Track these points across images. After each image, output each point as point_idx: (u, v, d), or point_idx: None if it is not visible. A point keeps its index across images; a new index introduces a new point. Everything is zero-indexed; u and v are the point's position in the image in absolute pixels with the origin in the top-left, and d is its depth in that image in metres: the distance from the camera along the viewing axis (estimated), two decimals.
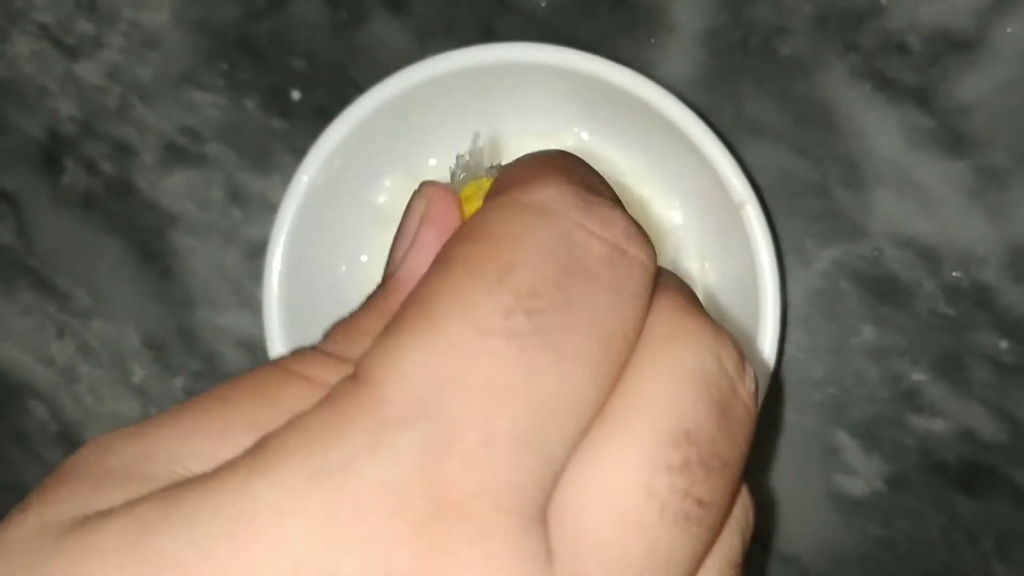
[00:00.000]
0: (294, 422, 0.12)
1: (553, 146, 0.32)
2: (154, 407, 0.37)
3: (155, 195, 0.36)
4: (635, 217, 0.14)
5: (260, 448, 0.12)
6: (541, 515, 0.12)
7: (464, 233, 0.13)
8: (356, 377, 0.12)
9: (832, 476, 0.32)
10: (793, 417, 0.32)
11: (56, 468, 0.13)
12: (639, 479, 0.12)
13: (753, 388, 0.14)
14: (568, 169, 0.15)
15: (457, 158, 0.18)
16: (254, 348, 0.36)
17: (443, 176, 0.34)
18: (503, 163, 0.17)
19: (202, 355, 0.36)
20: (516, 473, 0.12)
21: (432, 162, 0.32)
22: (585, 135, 0.31)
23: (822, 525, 0.32)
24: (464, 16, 0.34)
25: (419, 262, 0.15)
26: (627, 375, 0.13)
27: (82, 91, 0.36)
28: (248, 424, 0.13)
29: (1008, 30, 0.31)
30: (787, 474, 0.32)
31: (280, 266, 0.29)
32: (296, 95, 0.35)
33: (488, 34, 0.33)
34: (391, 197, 0.32)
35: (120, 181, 0.36)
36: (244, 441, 0.12)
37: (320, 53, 0.34)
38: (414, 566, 0.11)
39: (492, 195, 0.15)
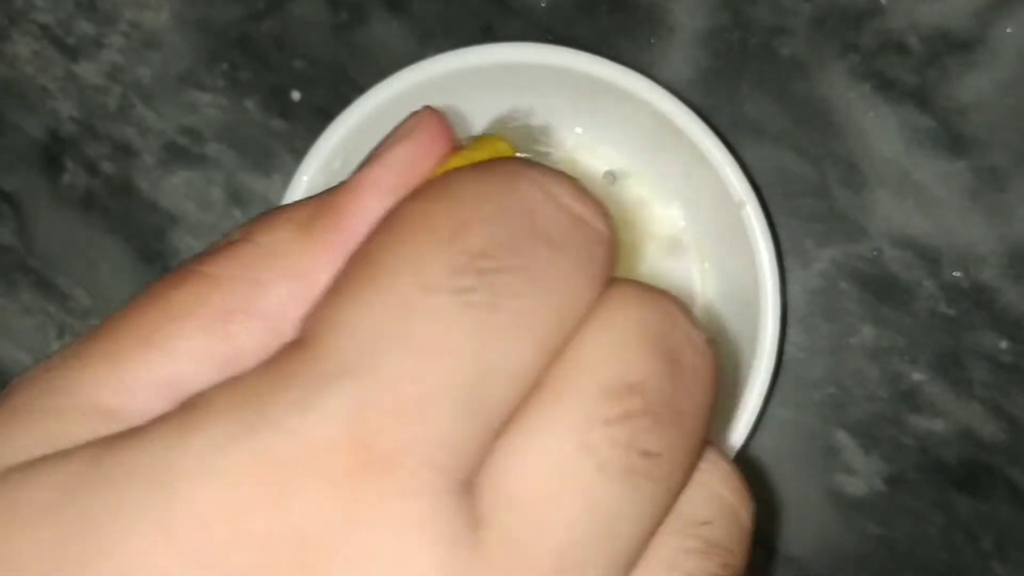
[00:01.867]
0: (230, 381, 0.12)
1: (553, 147, 0.32)
2: None
3: (156, 195, 0.36)
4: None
5: (191, 406, 0.11)
6: (471, 478, 0.11)
7: (426, 189, 0.13)
8: (299, 337, 0.12)
9: (832, 476, 0.32)
10: (793, 417, 0.32)
11: None
12: (573, 435, 0.12)
13: (708, 335, 0.14)
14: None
15: (503, 118, 0.17)
16: None
17: None
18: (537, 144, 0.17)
19: None
20: (450, 432, 0.11)
21: None
22: (585, 135, 0.31)
23: (822, 525, 0.32)
24: (464, 17, 0.34)
25: (376, 171, 0.15)
26: (570, 341, 0.13)
27: (82, 91, 0.36)
28: (142, 339, 0.12)
29: (1008, 30, 0.31)
30: (787, 474, 0.33)
31: None
32: (296, 95, 0.35)
33: (488, 35, 0.33)
34: None
35: (121, 181, 0.36)
36: (141, 357, 0.12)
37: (320, 53, 0.35)
38: (331, 522, 0.11)
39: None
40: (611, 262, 0.13)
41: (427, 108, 0.16)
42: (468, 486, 0.11)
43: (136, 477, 0.11)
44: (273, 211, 0.14)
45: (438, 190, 0.13)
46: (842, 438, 0.32)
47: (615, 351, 0.12)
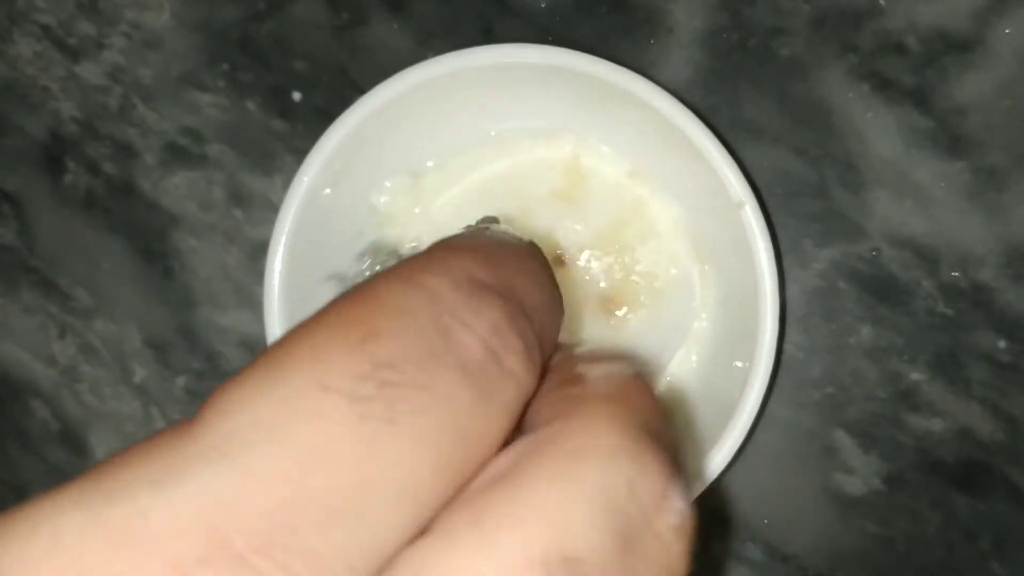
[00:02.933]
0: (118, 454, 0.11)
1: (553, 147, 0.32)
2: (155, 407, 0.37)
3: (157, 195, 0.36)
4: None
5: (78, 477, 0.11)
6: None
7: (346, 294, 0.13)
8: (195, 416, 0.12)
9: (830, 475, 0.32)
10: (791, 416, 0.32)
11: None
12: None
13: (677, 522, 0.12)
14: (485, 260, 0.14)
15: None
16: (255, 348, 0.36)
17: (443, 178, 0.34)
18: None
19: (203, 355, 0.36)
20: (320, 542, 0.10)
21: (431, 163, 0.32)
22: (585, 135, 0.31)
23: (820, 524, 0.32)
24: (464, 17, 0.34)
25: None
26: (513, 478, 0.11)
27: (84, 92, 0.37)
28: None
29: (1006, 31, 0.31)
30: (785, 473, 0.33)
31: (281, 266, 0.29)
32: (297, 96, 0.35)
33: (488, 35, 0.34)
34: (391, 198, 0.32)
35: (122, 181, 0.36)
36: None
37: (321, 54, 0.35)
38: None
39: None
40: (520, 403, 0.13)
41: None
42: None
43: None
44: None
45: (361, 292, 0.13)
46: (841, 437, 0.32)
47: (562, 515, 0.11)
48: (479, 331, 0.13)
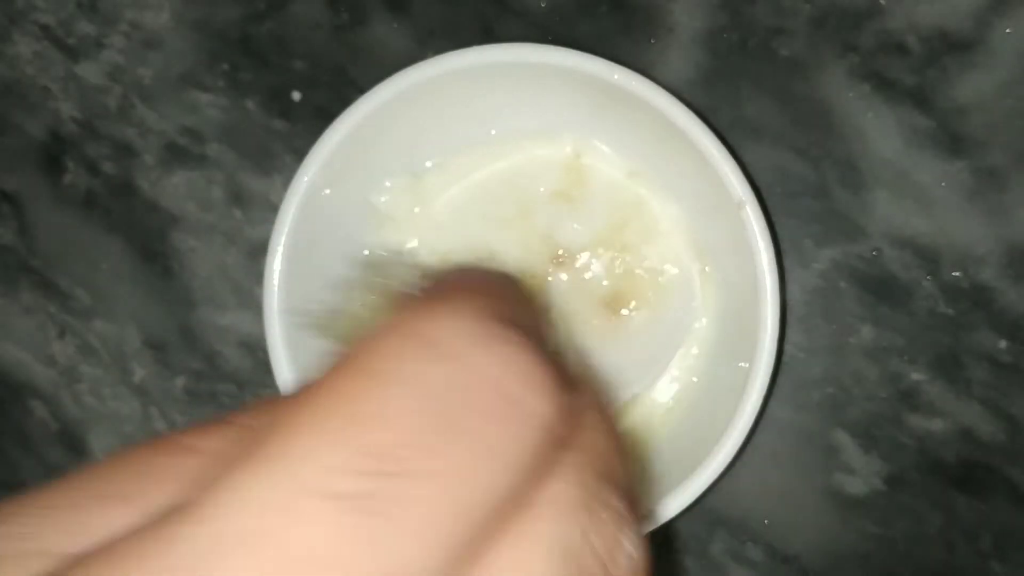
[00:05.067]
0: (108, 547, 0.11)
1: (553, 147, 0.32)
2: (155, 407, 0.37)
3: (156, 195, 0.36)
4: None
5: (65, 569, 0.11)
6: None
7: (340, 361, 0.12)
8: (186, 503, 0.11)
9: (831, 475, 0.32)
10: (792, 416, 0.32)
11: None
12: None
13: (634, 559, 0.13)
14: (486, 292, 0.13)
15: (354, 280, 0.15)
16: (254, 348, 0.36)
17: (443, 178, 0.34)
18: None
19: (203, 355, 0.36)
20: None
21: (430, 163, 0.32)
22: (585, 135, 0.31)
23: (821, 524, 0.32)
24: (464, 17, 0.34)
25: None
26: (495, 544, 0.11)
27: (83, 92, 0.37)
28: (110, 495, 0.12)
29: (1007, 31, 0.31)
30: (786, 473, 0.33)
31: (281, 266, 0.29)
32: (297, 96, 0.35)
33: (488, 35, 0.34)
34: (391, 197, 0.32)
35: (121, 181, 0.36)
36: (104, 510, 0.12)
37: (321, 54, 0.35)
38: None
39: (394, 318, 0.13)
40: (544, 445, 0.12)
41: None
42: None
43: None
44: (265, 398, 0.14)
45: (350, 361, 0.12)
46: (841, 438, 0.32)
47: (517, 566, 0.11)
48: (492, 369, 0.12)
